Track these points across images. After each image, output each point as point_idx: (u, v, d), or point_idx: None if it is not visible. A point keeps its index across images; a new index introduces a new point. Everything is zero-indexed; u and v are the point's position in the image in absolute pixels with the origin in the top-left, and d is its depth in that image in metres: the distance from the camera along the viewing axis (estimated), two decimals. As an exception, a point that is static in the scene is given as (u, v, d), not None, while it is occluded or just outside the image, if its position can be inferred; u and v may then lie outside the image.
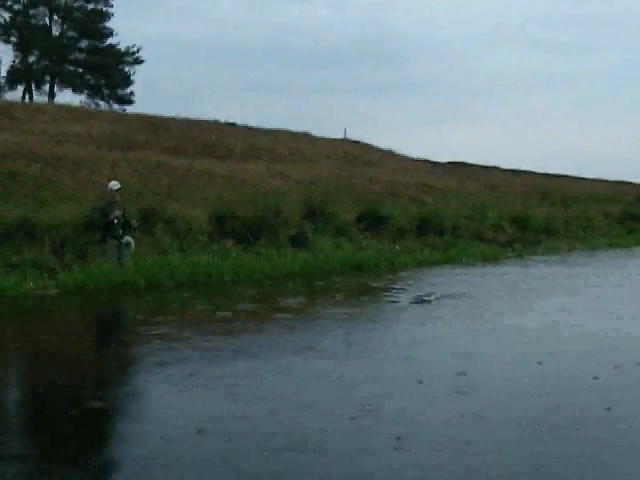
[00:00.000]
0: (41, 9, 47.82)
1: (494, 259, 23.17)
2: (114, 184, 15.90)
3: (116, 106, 48.86)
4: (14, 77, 47.72)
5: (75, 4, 48.25)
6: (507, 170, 43.90)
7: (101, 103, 49.40)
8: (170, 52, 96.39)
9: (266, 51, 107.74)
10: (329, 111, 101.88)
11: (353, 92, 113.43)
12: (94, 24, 48.52)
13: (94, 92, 49.59)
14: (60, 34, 48.62)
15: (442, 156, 56.59)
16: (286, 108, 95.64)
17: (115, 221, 15.21)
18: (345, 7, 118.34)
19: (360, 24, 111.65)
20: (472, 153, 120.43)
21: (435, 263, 21.34)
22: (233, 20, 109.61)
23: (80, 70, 49.42)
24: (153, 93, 75.61)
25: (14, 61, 47.65)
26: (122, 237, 15.34)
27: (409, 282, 17.15)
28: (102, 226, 15.37)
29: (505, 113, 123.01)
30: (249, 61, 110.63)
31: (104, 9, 49.06)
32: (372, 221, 25.02)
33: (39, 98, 46.76)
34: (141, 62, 50.06)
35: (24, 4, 47.06)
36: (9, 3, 46.87)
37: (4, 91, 47.05)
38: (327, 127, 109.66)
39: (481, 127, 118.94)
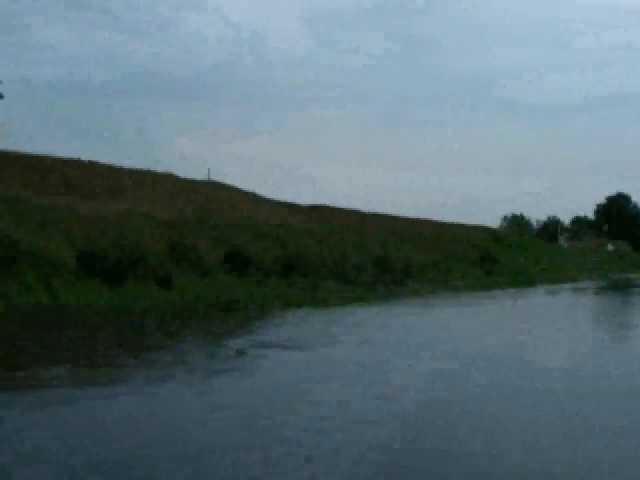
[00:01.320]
0: None
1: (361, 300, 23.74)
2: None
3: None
4: None
5: None
6: (367, 213, 44.95)
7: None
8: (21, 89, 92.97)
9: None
10: (192, 151, 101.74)
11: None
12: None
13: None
14: None
15: (302, 198, 57.36)
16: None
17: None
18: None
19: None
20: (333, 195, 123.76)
21: (301, 305, 21.69)
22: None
23: None
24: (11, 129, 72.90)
25: None
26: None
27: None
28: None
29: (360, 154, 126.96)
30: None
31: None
32: (236, 262, 25.19)
33: None
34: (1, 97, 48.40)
35: None
36: None
37: None
38: (191, 167, 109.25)
39: (342, 169, 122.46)
